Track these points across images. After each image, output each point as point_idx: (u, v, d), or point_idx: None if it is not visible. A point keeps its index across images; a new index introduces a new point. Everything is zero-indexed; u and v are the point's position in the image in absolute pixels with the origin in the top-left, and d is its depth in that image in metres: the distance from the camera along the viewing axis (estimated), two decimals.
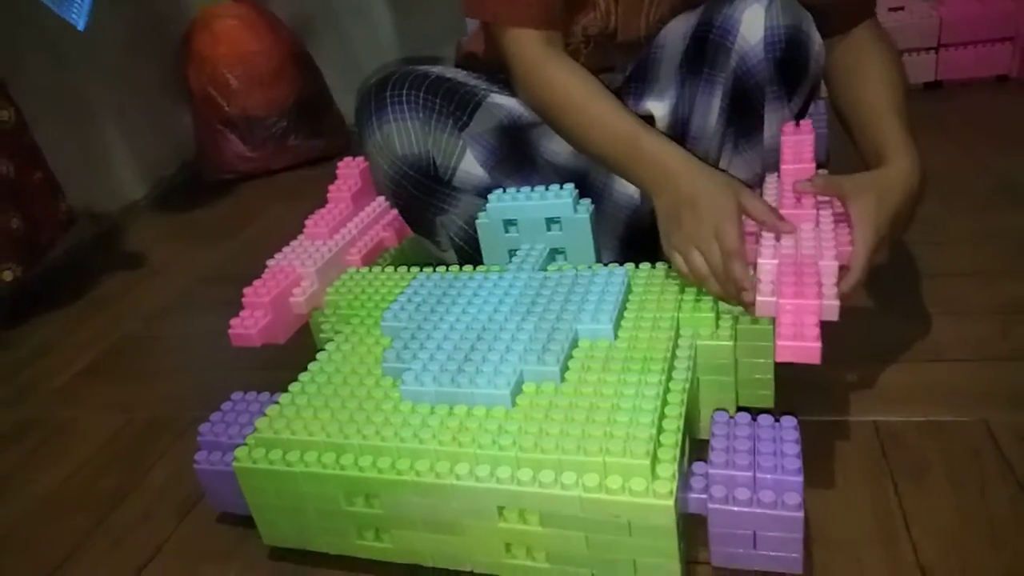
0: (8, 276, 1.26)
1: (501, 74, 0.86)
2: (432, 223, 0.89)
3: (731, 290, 0.63)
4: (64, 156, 1.48)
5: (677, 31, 0.80)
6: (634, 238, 0.90)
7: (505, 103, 0.87)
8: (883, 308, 0.91)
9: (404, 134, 0.83)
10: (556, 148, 0.90)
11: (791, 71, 0.73)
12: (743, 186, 0.67)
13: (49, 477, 0.88)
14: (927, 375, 0.78)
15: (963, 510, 0.62)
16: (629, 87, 0.85)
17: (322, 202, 0.96)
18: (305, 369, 0.70)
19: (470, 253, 0.89)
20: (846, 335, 0.83)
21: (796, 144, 0.74)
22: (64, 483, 0.86)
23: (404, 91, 0.83)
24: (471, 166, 0.86)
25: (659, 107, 0.82)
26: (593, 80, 0.76)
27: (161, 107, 1.97)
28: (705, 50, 0.76)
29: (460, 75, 0.87)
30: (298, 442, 0.62)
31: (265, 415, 0.65)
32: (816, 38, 0.73)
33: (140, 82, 1.89)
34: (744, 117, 0.77)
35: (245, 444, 0.64)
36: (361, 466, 0.59)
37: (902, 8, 1.69)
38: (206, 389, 1.00)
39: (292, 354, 0.83)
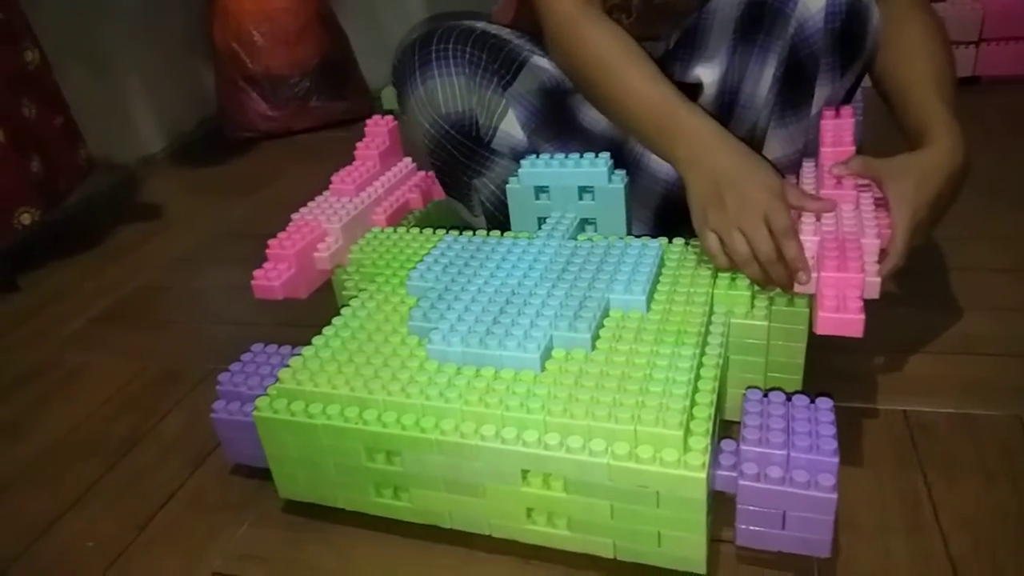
0: (26, 219, 1.24)
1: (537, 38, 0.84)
2: (468, 186, 0.88)
3: (780, 272, 0.62)
4: (84, 103, 1.46)
5: None
6: (668, 212, 0.88)
7: (548, 65, 0.85)
8: (916, 299, 0.89)
9: (448, 89, 0.81)
10: (595, 116, 0.88)
11: (849, 44, 0.71)
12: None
13: (61, 420, 0.87)
14: (959, 368, 0.77)
15: (994, 505, 0.60)
16: (677, 53, 0.83)
17: (343, 164, 0.94)
18: (324, 326, 0.69)
19: (500, 220, 0.87)
20: (877, 324, 0.82)
21: (836, 128, 0.72)
22: (76, 427, 0.86)
23: (450, 45, 0.80)
24: (512, 127, 0.84)
25: (708, 73, 0.80)
26: (631, 43, 0.74)
27: (184, 61, 1.95)
28: (763, 15, 0.73)
29: (504, 32, 0.85)
30: (321, 395, 0.60)
31: (288, 366, 0.64)
32: (876, 13, 0.70)
33: (163, 34, 1.87)
34: (795, 88, 0.74)
35: (267, 394, 0.63)
36: (384, 422, 0.58)
37: (944, 0, 1.65)
38: (222, 341, 0.99)
39: (309, 311, 0.82)
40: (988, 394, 0.72)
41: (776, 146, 0.78)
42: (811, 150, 0.78)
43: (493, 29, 0.85)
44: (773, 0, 0.72)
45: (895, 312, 0.86)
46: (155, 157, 1.84)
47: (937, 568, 0.55)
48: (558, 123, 0.85)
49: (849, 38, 0.70)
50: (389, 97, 1.96)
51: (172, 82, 1.90)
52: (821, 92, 0.73)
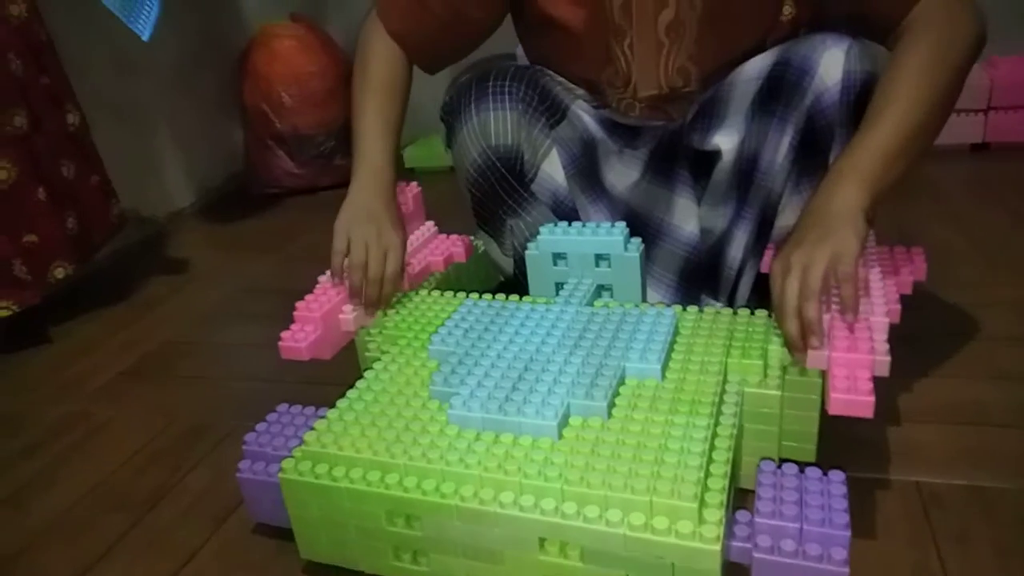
0: (60, 273, 1.29)
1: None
2: (503, 223, 0.92)
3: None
4: (117, 159, 1.53)
5: (750, 72, 0.82)
6: (692, 274, 0.90)
7: (584, 116, 0.90)
8: (927, 369, 0.90)
9: (500, 123, 0.85)
10: (613, 180, 0.92)
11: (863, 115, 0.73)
12: None
13: (87, 474, 0.89)
14: (971, 438, 0.77)
15: None
16: (696, 124, 0.87)
17: None
18: (347, 386, 0.71)
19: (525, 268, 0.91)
20: (890, 394, 0.83)
21: None
22: (102, 482, 0.88)
23: (506, 82, 0.86)
24: (553, 168, 0.88)
25: (726, 141, 0.84)
26: (393, 93, 0.88)
27: (214, 119, 2.02)
28: (782, 88, 0.77)
29: (547, 76, 0.90)
30: (344, 458, 0.62)
31: (313, 429, 0.66)
32: None
33: (196, 93, 1.95)
34: (810, 157, 0.77)
35: (292, 456, 0.65)
36: (406, 487, 0.59)
37: None
38: (246, 398, 1.02)
39: (333, 370, 0.84)
40: (1000, 466, 0.73)
41: (791, 213, 0.81)
42: None
43: (541, 73, 0.90)
44: (791, 74, 0.76)
45: (908, 380, 0.87)
46: (184, 212, 1.90)
47: None
48: (591, 175, 0.89)
49: (863, 110, 0.73)
50: (411, 156, 2.02)
51: (202, 139, 1.98)
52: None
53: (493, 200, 0.90)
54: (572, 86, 0.92)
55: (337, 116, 1.92)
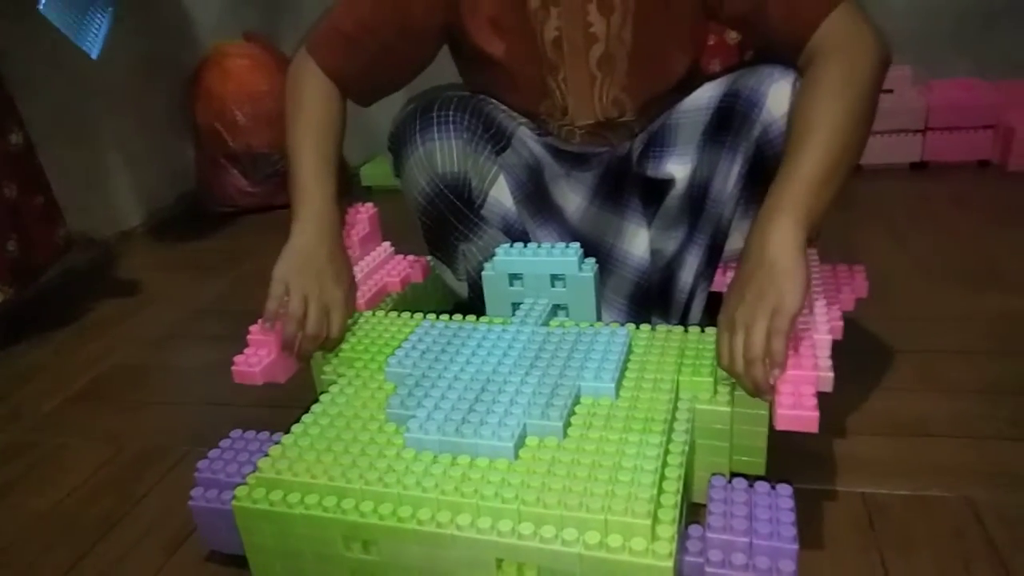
0: (0, 298, 1.25)
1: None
2: (455, 249, 0.92)
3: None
4: (65, 179, 1.49)
5: (700, 101, 0.85)
6: (641, 298, 0.92)
7: (528, 142, 0.92)
8: (870, 384, 0.93)
9: (446, 152, 0.85)
10: (562, 203, 0.94)
11: None
12: None
13: (36, 503, 0.87)
14: (913, 450, 0.80)
15: None
16: (648, 151, 0.89)
17: None
18: (302, 409, 0.71)
19: (482, 291, 0.91)
20: (835, 408, 0.86)
21: None
22: (51, 510, 0.85)
23: (450, 112, 0.86)
24: (501, 193, 0.89)
25: (680, 170, 0.86)
26: (329, 130, 0.88)
27: (163, 138, 1.99)
28: (732, 119, 0.80)
29: (490, 104, 0.91)
30: (299, 484, 0.62)
31: (267, 455, 0.65)
32: None
33: (145, 112, 1.92)
34: (758, 184, 0.79)
35: (246, 483, 0.64)
36: (362, 511, 0.59)
37: (891, 91, 1.76)
38: (199, 423, 1.00)
39: (287, 394, 0.83)
40: (941, 476, 0.76)
41: (739, 237, 0.83)
42: None
43: (486, 101, 0.91)
44: (740, 106, 0.79)
45: (853, 394, 0.90)
46: (133, 232, 1.87)
47: None
48: (539, 199, 0.91)
49: None
50: (367, 174, 2.02)
51: (152, 158, 1.94)
52: None
53: (444, 227, 0.91)
54: (515, 114, 0.93)
55: None
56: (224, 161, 1.90)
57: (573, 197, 0.96)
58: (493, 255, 0.86)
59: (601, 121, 0.90)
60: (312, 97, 0.88)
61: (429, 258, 0.99)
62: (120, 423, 1.03)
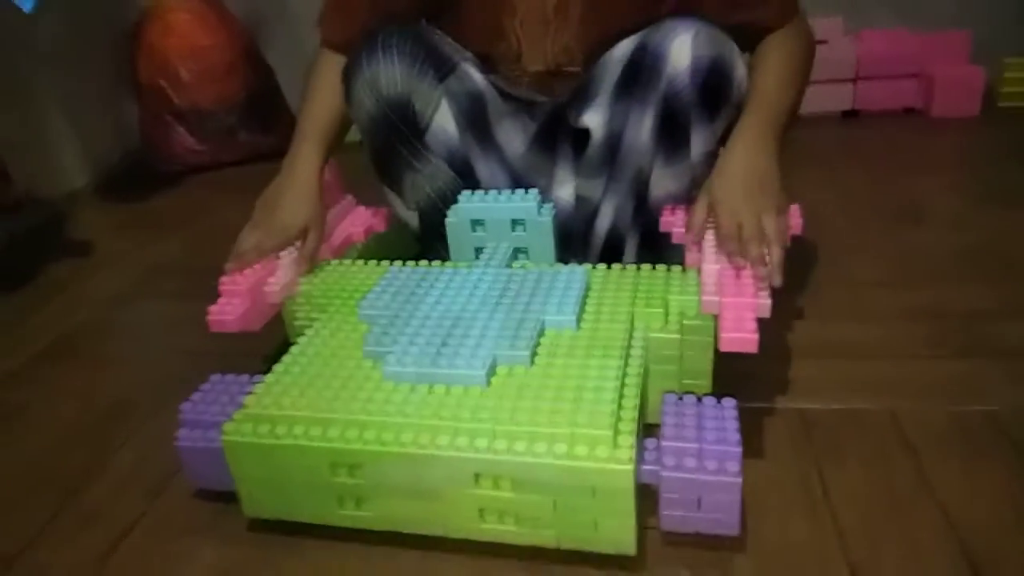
0: None
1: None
2: (402, 177, 0.97)
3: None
4: (5, 140, 1.46)
5: (616, 55, 0.89)
6: (564, 241, 0.97)
7: (473, 73, 0.96)
8: (805, 312, 1.02)
9: (390, 75, 0.90)
10: (503, 140, 0.99)
11: (714, 96, 0.83)
12: None
13: (7, 459, 0.88)
14: (843, 370, 0.89)
15: (873, 484, 0.71)
16: (572, 103, 0.94)
17: None
18: (267, 354, 0.74)
19: (429, 221, 0.97)
20: (773, 334, 0.94)
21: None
22: (27, 467, 0.86)
23: (393, 39, 0.90)
24: (445, 120, 0.94)
25: (595, 121, 0.91)
26: (334, 94, 0.96)
27: (105, 95, 1.94)
28: (640, 72, 0.85)
29: (436, 34, 0.95)
30: (286, 417, 0.66)
31: (252, 392, 0.69)
32: (739, 66, 0.83)
33: (84, 69, 1.87)
34: (672, 135, 0.86)
35: (233, 419, 0.68)
36: (347, 438, 0.64)
37: (825, 42, 1.84)
38: (165, 376, 1.01)
39: (249, 343, 0.85)
40: (867, 391, 0.84)
41: (664, 184, 0.90)
42: (697, 184, 0.88)
43: (431, 32, 0.95)
44: (648, 59, 0.84)
45: (788, 322, 0.98)
46: (81, 192, 1.83)
47: (828, 539, 0.65)
48: (483, 129, 0.96)
49: (714, 91, 0.82)
50: None
51: (94, 116, 1.90)
52: (697, 136, 0.85)
53: (390, 153, 0.95)
54: (460, 48, 0.97)
55: (238, 91, 1.89)
56: (170, 118, 1.86)
57: (514, 138, 1.01)
58: (451, 187, 0.92)
59: (551, 69, 0.94)
60: (324, 79, 0.98)
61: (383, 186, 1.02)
62: (86, 379, 1.04)
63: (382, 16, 0.93)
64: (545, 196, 0.99)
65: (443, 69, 0.93)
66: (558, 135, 0.99)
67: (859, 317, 0.99)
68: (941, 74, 1.78)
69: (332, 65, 0.97)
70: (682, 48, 0.81)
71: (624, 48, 0.89)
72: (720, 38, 0.82)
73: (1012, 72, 1.82)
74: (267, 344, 0.91)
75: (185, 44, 1.83)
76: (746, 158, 0.82)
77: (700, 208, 0.83)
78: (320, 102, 0.97)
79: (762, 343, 0.68)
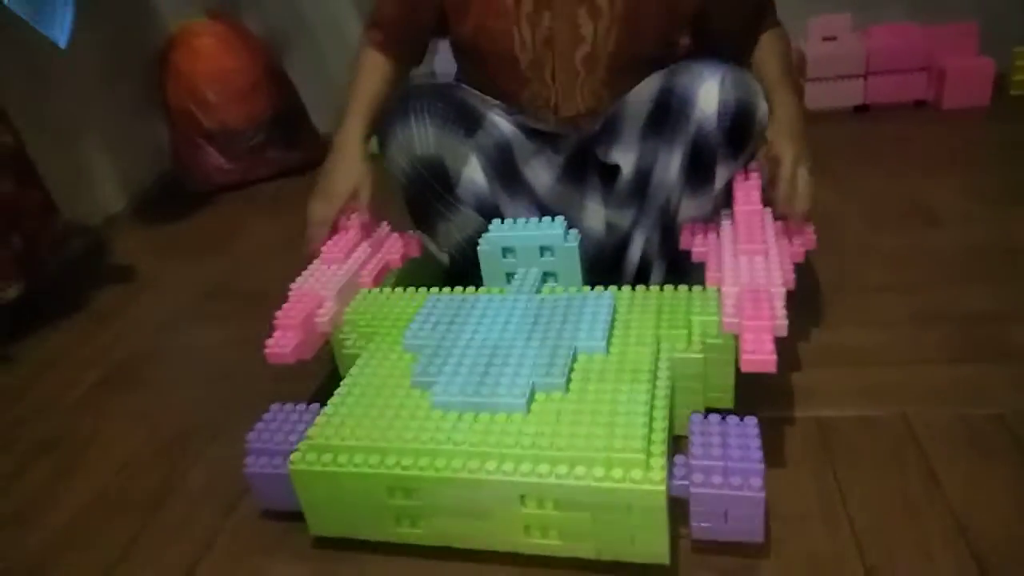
0: (12, 293, 1.31)
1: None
2: (435, 226, 1.05)
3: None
4: (45, 170, 1.53)
5: (642, 94, 0.95)
6: (596, 267, 1.03)
7: (499, 123, 1.03)
8: (819, 322, 1.07)
9: (422, 138, 0.97)
10: (531, 176, 1.05)
11: (739, 136, 0.89)
12: None
13: (86, 486, 0.94)
14: (857, 378, 0.94)
15: (886, 489, 0.77)
16: (600, 138, 1.00)
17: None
18: (314, 379, 0.80)
19: (461, 263, 1.04)
20: (790, 345, 0.99)
21: (746, 189, 0.90)
22: (102, 491, 0.93)
23: (423, 101, 0.97)
24: (474, 172, 1.00)
25: (624, 159, 0.98)
26: (373, 81, 1.06)
27: (137, 120, 2.01)
28: (668, 114, 0.91)
29: (467, 90, 1.03)
30: (346, 447, 0.73)
31: (315, 424, 0.76)
32: (762, 105, 0.89)
33: (115, 95, 1.94)
34: (698, 171, 0.92)
35: (298, 449, 0.75)
36: (403, 465, 0.70)
37: (835, 38, 1.87)
38: (222, 399, 1.08)
39: (296, 367, 0.91)
40: (880, 397, 0.90)
41: (689, 212, 0.96)
42: (718, 210, 0.96)
43: (458, 88, 1.02)
44: (675, 102, 0.90)
45: (803, 332, 1.03)
46: (118, 216, 1.91)
47: (845, 544, 0.71)
48: (510, 174, 1.02)
49: (740, 132, 0.88)
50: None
51: (127, 141, 1.97)
52: (721, 172, 0.91)
53: (424, 205, 1.03)
54: (487, 98, 1.04)
55: (264, 109, 1.96)
56: (200, 140, 1.93)
57: (543, 174, 1.07)
58: (480, 231, 0.97)
59: (582, 113, 1.00)
60: (362, 68, 1.07)
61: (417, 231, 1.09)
62: (148, 405, 1.11)
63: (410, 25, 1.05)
64: (575, 223, 1.05)
65: (471, 124, 0.99)
66: (586, 167, 1.06)
67: (871, 323, 1.04)
68: (951, 65, 1.80)
69: (371, 54, 1.07)
70: (709, 93, 0.88)
71: (650, 88, 0.95)
72: (744, 80, 0.89)
73: (1023, 60, 1.84)
74: (312, 366, 0.97)
75: (211, 68, 1.89)
76: (795, 111, 0.93)
77: (771, 163, 0.90)
78: (361, 85, 1.05)
79: (780, 357, 0.73)
